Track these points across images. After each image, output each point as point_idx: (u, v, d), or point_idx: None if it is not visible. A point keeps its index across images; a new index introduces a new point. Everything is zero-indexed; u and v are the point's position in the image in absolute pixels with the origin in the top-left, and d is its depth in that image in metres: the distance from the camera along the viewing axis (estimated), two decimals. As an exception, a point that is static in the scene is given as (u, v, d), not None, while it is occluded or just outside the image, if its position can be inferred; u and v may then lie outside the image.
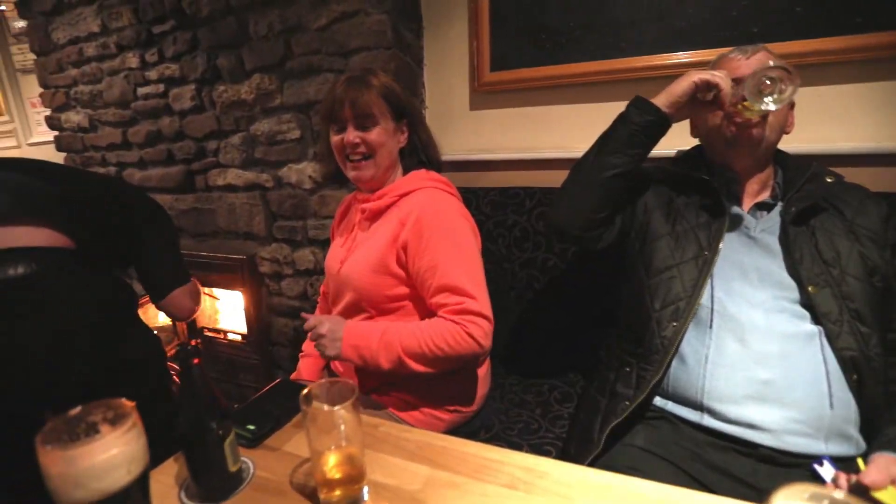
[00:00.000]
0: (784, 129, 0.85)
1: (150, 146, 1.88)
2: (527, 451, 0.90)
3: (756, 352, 0.74)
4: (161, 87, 1.76)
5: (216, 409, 0.56)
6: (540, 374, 1.22)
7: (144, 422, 0.47)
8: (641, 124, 0.84)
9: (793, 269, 0.78)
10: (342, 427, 0.52)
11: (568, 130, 1.37)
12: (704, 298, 0.80)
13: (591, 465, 0.76)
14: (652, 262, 0.86)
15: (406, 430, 0.67)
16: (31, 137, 2.65)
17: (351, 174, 0.97)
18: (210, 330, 1.95)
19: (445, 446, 0.63)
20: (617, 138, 0.86)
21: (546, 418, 1.06)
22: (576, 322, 1.20)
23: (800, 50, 1.07)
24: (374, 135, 0.93)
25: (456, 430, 0.98)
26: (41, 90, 2.11)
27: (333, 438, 0.52)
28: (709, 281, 0.80)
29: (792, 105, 0.86)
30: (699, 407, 0.75)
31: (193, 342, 0.56)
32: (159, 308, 1.16)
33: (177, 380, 1.24)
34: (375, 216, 0.98)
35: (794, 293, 0.77)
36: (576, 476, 0.58)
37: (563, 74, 1.32)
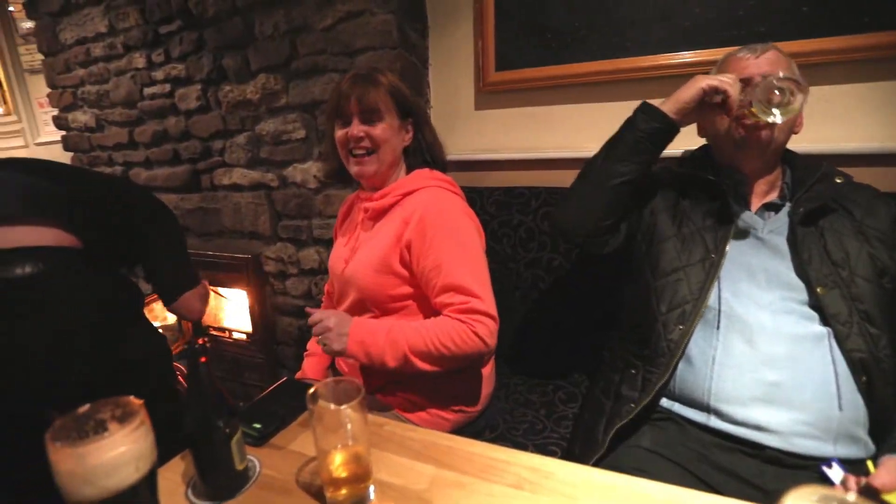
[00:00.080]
0: (793, 129, 0.85)
1: (157, 146, 1.89)
2: (532, 452, 0.89)
3: (764, 353, 0.73)
4: (167, 87, 1.77)
5: (223, 407, 0.56)
6: (545, 374, 1.22)
7: None
8: (648, 131, 0.83)
9: (801, 270, 0.77)
10: (348, 426, 0.52)
11: (573, 130, 1.37)
12: (711, 300, 0.79)
13: (596, 465, 0.75)
14: (658, 265, 0.85)
15: (411, 430, 0.67)
16: (39, 137, 2.67)
17: (353, 169, 0.97)
18: (215, 329, 1.96)
19: (451, 446, 0.63)
20: (623, 145, 0.86)
21: (551, 418, 1.06)
22: (581, 322, 1.19)
23: (805, 49, 1.06)
24: (378, 130, 0.93)
25: (461, 430, 0.98)
26: (49, 90, 2.13)
27: (340, 437, 0.52)
28: (716, 283, 0.80)
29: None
30: (706, 408, 0.75)
31: (201, 341, 0.57)
32: (170, 310, 1.17)
33: (181, 379, 1.25)
34: (378, 215, 0.98)
35: (803, 294, 0.76)
36: (581, 476, 0.57)
37: (568, 74, 1.32)
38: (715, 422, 0.74)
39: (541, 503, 0.54)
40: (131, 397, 0.47)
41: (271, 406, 0.73)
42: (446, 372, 0.87)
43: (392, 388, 0.96)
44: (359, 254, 0.97)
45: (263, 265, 1.79)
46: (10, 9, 2.48)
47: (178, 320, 1.88)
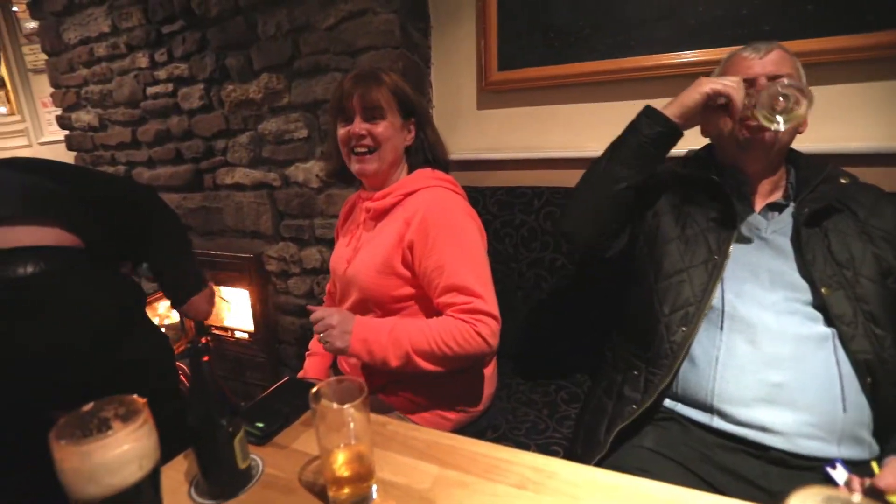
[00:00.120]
0: (798, 129, 0.84)
1: (159, 145, 1.90)
2: (534, 451, 0.89)
3: (767, 354, 0.73)
4: (170, 87, 1.78)
5: (226, 406, 0.56)
6: (547, 373, 1.21)
7: None
8: (652, 136, 0.83)
9: (805, 271, 0.77)
10: (351, 425, 0.52)
11: (576, 130, 1.37)
12: (715, 300, 0.79)
13: (598, 465, 0.75)
14: (661, 266, 0.85)
15: (414, 429, 0.67)
16: (43, 137, 2.68)
17: (355, 167, 0.97)
18: (217, 328, 1.96)
19: (454, 445, 0.63)
20: (627, 149, 0.85)
21: (553, 418, 1.06)
22: (583, 322, 1.19)
23: (810, 48, 1.06)
24: (380, 128, 0.93)
25: (462, 430, 0.98)
26: (52, 90, 2.14)
27: (343, 436, 0.52)
28: (719, 284, 0.79)
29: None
30: (709, 409, 0.75)
31: (204, 340, 0.57)
32: (179, 311, 1.18)
33: (183, 378, 1.25)
34: (380, 215, 0.98)
35: (807, 295, 0.76)
36: (585, 476, 0.57)
37: (571, 73, 1.32)
38: (718, 422, 0.73)
39: (544, 503, 0.53)
40: (135, 396, 0.47)
41: (274, 405, 0.73)
42: (448, 372, 0.87)
43: (394, 388, 0.96)
44: (361, 254, 0.97)
45: (265, 264, 1.79)
46: (14, 9, 2.49)
47: (182, 319, 1.88)
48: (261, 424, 0.67)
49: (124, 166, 2.04)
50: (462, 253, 0.88)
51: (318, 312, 0.86)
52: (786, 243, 0.81)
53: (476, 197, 1.32)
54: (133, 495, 0.44)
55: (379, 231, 0.97)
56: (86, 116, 2.06)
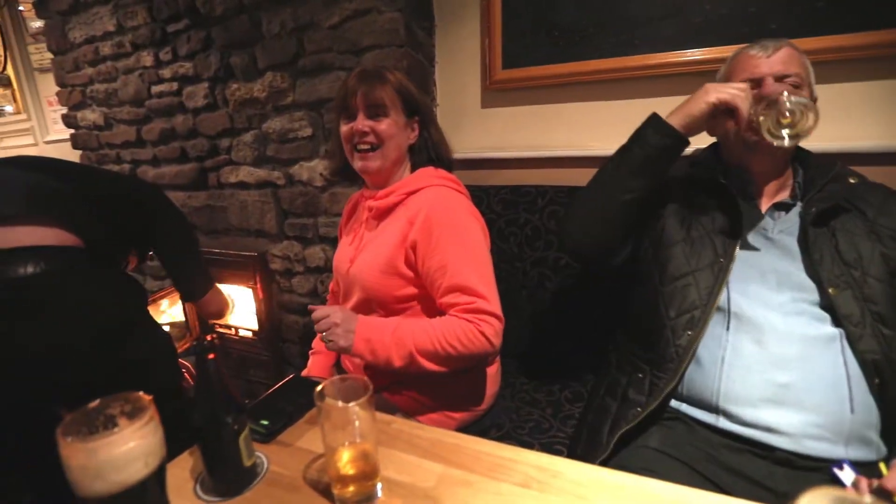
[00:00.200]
0: None
1: (164, 144, 1.90)
2: (538, 450, 0.89)
3: (774, 354, 0.72)
4: (175, 86, 1.78)
5: (231, 403, 0.57)
6: (551, 373, 1.21)
7: None
8: (658, 147, 0.81)
9: (812, 271, 0.76)
10: (356, 423, 0.52)
11: (580, 128, 1.36)
12: (721, 301, 0.78)
13: (601, 466, 0.75)
14: (667, 269, 0.84)
15: (418, 428, 0.67)
16: (48, 135, 2.69)
17: (357, 164, 0.96)
18: (221, 326, 1.97)
19: (458, 444, 0.63)
20: (633, 160, 0.84)
21: (557, 418, 1.05)
22: (587, 321, 1.19)
23: (820, 46, 1.05)
24: (384, 125, 0.93)
25: (466, 429, 0.98)
26: (58, 89, 2.14)
27: (348, 435, 0.52)
28: (725, 286, 0.79)
29: (814, 100, 0.84)
30: (714, 409, 0.74)
31: (209, 337, 0.57)
32: (196, 306, 1.20)
33: (188, 377, 1.25)
34: (383, 214, 0.98)
35: (814, 295, 0.75)
36: (590, 476, 0.57)
37: (575, 72, 1.31)
38: (724, 423, 0.73)
39: (549, 502, 0.53)
40: (140, 393, 0.47)
41: (278, 403, 0.73)
42: (451, 372, 0.86)
43: (397, 387, 0.96)
44: (363, 254, 0.97)
45: (269, 263, 1.79)
46: (21, 8, 2.50)
47: (186, 317, 1.89)
48: (265, 422, 0.67)
49: (129, 165, 2.05)
50: (465, 252, 0.87)
51: (320, 311, 0.86)
52: (792, 243, 0.80)
53: (480, 196, 1.32)
54: (139, 492, 0.44)
55: (382, 230, 0.97)
56: (91, 115, 2.07)
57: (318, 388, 0.53)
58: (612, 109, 1.32)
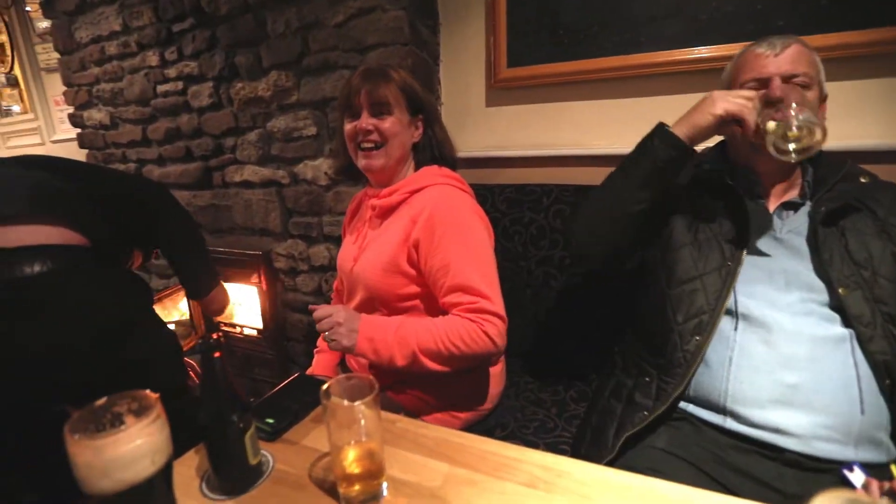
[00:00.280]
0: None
1: (169, 143, 1.91)
2: (543, 450, 0.89)
3: (782, 355, 0.71)
4: (180, 85, 1.79)
5: (237, 402, 0.57)
6: (555, 372, 1.21)
7: None
8: (664, 159, 0.80)
9: (821, 271, 0.75)
10: (362, 422, 0.52)
11: (585, 127, 1.36)
12: (728, 304, 0.77)
13: (608, 466, 0.74)
14: (674, 273, 0.83)
15: (424, 427, 0.67)
16: (55, 135, 2.71)
17: (361, 162, 0.96)
18: (226, 324, 1.98)
19: (464, 443, 0.63)
20: (640, 171, 0.82)
21: (562, 417, 1.05)
22: (592, 321, 1.18)
23: (828, 43, 1.04)
24: (388, 123, 0.92)
25: (470, 428, 0.98)
26: (64, 88, 2.16)
27: (353, 433, 0.52)
28: (733, 290, 0.78)
29: (824, 98, 0.83)
30: (721, 410, 0.73)
31: (215, 335, 0.57)
32: (199, 303, 1.20)
33: (193, 375, 1.26)
34: (386, 213, 0.97)
35: (823, 295, 0.74)
36: (596, 476, 0.57)
37: (580, 70, 1.31)
38: (731, 424, 0.72)
39: (554, 502, 0.53)
40: (147, 391, 0.47)
41: (284, 401, 0.73)
42: (454, 371, 0.86)
43: (402, 387, 0.95)
44: (367, 253, 0.97)
45: (274, 262, 1.80)
46: (28, 9, 2.52)
47: (191, 316, 1.90)
48: (271, 421, 0.67)
49: (135, 164, 2.06)
50: (468, 252, 0.87)
51: (322, 310, 0.85)
52: (801, 243, 0.79)
53: (485, 194, 1.32)
54: (146, 490, 0.44)
55: (385, 229, 0.96)
56: (97, 114, 2.08)
57: (324, 386, 0.53)
58: (616, 108, 1.31)
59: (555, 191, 1.26)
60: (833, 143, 1.03)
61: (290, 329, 1.85)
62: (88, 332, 0.89)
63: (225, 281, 1.85)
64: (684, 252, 0.83)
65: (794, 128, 0.71)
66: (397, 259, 0.91)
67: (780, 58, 0.79)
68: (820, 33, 1.05)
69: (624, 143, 1.29)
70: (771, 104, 0.77)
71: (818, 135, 0.70)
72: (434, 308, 0.93)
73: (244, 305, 1.94)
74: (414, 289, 0.93)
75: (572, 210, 1.22)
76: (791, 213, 0.83)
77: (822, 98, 0.82)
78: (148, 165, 2.02)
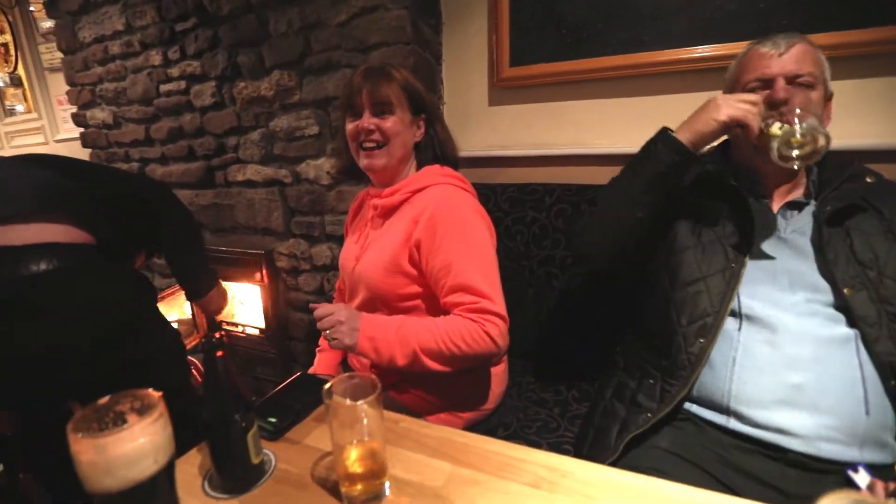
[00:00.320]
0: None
1: (172, 142, 1.91)
2: (546, 450, 0.89)
3: (787, 355, 0.71)
4: (183, 84, 1.79)
5: (240, 401, 0.57)
6: (558, 372, 1.20)
7: None
8: (668, 164, 0.79)
9: (826, 271, 0.75)
10: (365, 421, 0.52)
11: (589, 126, 1.35)
12: (732, 305, 0.77)
13: (612, 466, 0.74)
14: (677, 275, 0.82)
15: (427, 427, 0.67)
16: (59, 134, 2.72)
17: (363, 162, 0.96)
18: (228, 323, 1.98)
19: (467, 443, 0.63)
20: (643, 178, 0.81)
21: (565, 417, 1.05)
22: (594, 321, 1.18)
23: (834, 42, 1.03)
24: (389, 123, 0.92)
25: (473, 428, 0.98)
26: (68, 88, 2.16)
27: (356, 433, 0.52)
28: (737, 291, 0.77)
29: (830, 96, 0.82)
30: (725, 410, 0.73)
31: (218, 335, 0.57)
32: (195, 305, 1.20)
33: (195, 373, 1.26)
34: (388, 213, 0.97)
35: (828, 296, 0.74)
36: (600, 476, 0.57)
37: (583, 69, 1.30)
38: (735, 424, 0.72)
39: (559, 503, 0.53)
40: (150, 390, 0.47)
41: (286, 401, 0.73)
42: (455, 371, 0.86)
43: (404, 386, 0.95)
44: (368, 252, 0.97)
45: (276, 261, 1.80)
46: (31, 9, 2.53)
47: (194, 314, 1.90)
48: (273, 420, 0.67)
49: (138, 163, 2.06)
50: (469, 252, 0.86)
51: (323, 308, 0.84)
52: (805, 243, 0.78)
53: (487, 194, 1.31)
54: (149, 489, 0.44)
55: (387, 229, 0.96)
56: (100, 114, 2.08)
57: (327, 385, 0.53)
58: (620, 107, 1.31)
59: (557, 190, 1.25)
60: (838, 142, 1.02)
61: (292, 328, 1.86)
62: (94, 330, 0.90)
63: (227, 280, 1.86)
64: (688, 254, 0.83)
65: (797, 134, 0.70)
66: (399, 259, 0.90)
67: (783, 57, 0.78)
68: (824, 32, 1.04)
69: (627, 142, 1.29)
70: (774, 106, 0.76)
71: (821, 141, 0.70)
72: (436, 308, 0.92)
73: (246, 305, 1.94)
74: (415, 289, 0.92)
75: (576, 214, 1.21)
76: (795, 212, 0.82)
77: (828, 97, 0.82)
78: (151, 165, 2.03)
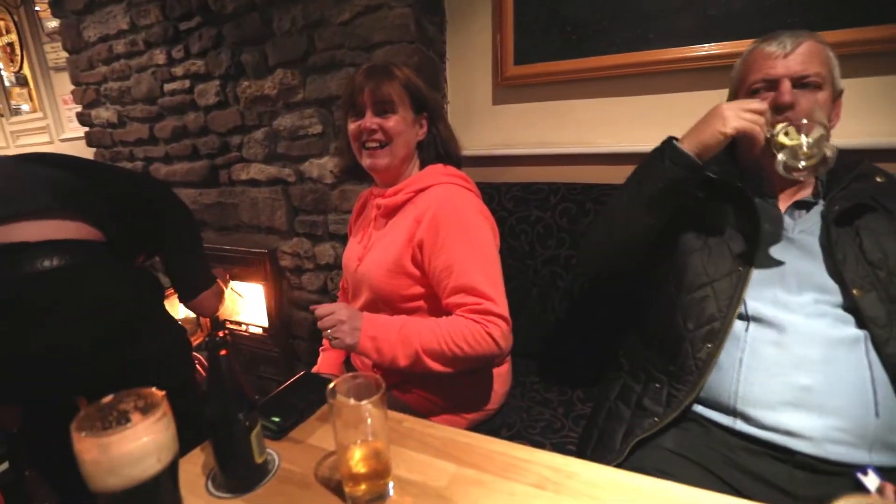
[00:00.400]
0: (828, 122, 0.80)
1: (176, 141, 1.92)
2: (550, 450, 0.88)
3: (795, 356, 0.70)
4: (187, 83, 1.79)
5: (243, 400, 0.56)
6: (562, 372, 1.20)
7: None
8: (675, 179, 0.77)
9: (835, 271, 0.73)
10: (369, 421, 0.51)
11: (593, 125, 1.34)
12: (739, 308, 0.76)
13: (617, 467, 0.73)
14: (683, 279, 0.81)
15: (430, 427, 0.67)
16: (64, 133, 2.73)
17: (366, 162, 0.95)
18: (231, 322, 1.98)
19: (471, 443, 0.62)
20: (649, 191, 0.79)
21: (569, 417, 1.04)
22: (599, 321, 1.17)
23: (843, 39, 1.02)
24: (392, 122, 0.92)
25: (476, 428, 0.98)
26: (73, 87, 2.17)
27: (360, 433, 0.52)
28: (744, 295, 0.76)
29: (839, 94, 0.81)
30: (732, 412, 0.72)
31: (221, 333, 0.57)
32: (188, 307, 1.20)
33: (200, 369, 1.27)
34: (391, 213, 0.97)
35: (837, 297, 0.73)
36: (605, 477, 0.56)
37: (588, 68, 1.30)
38: (741, 426, 0.71)
39: (563, 504, 0.52)
40: (153, 388, 0.47)
41: (289, 400, 0.73)
42: (457, 372, 0.85)
43: (407, 386, 0.95)
44: (372, 253, 0.96)
45: (280, 260, 1.80)
46: (37, 8, 2.54)
47: (198, 314, 1.91)
48: (276, 419, 0.67)
49: (142, 162, 2.07)
50: (473, 252, 0.86)
51: (324, 307, 0.83)
52: (814, 243, 0.77)
53: (491, 193, 1.31)
54: (153, 488, 0.44)
55: (390, 229, 0.96)
56: (105, 113, 2.09)
57: (331, 385, 0.53)
58: (625, 105, 1.30)
59: (562, 189, 1.25)
60: (848, 141, 1.02)
61: (295, 327, 1.86)
62: (102, 327, 0.90)
63: (231, 278, 1.86)
64: (693, 258, 0.81)
65: (804, 148, 0.69)
66: (402, 259, 0.90)
67: (789, 58, 0.76)
68: (834, 29, 1.03)
69: (632, 141, 1.29)
70: (780, 111, 0.75)
71: (828, 153, 0.68)
72: (438, 309, 0.92)
73: (250, 303, 1.94)
74: (418, 289, 0.92)
75: (580, 213, 1.20)
76: (803, 212, 0.81)
77: (837, 94, 0.80)
78: (155, 164, 2.03)
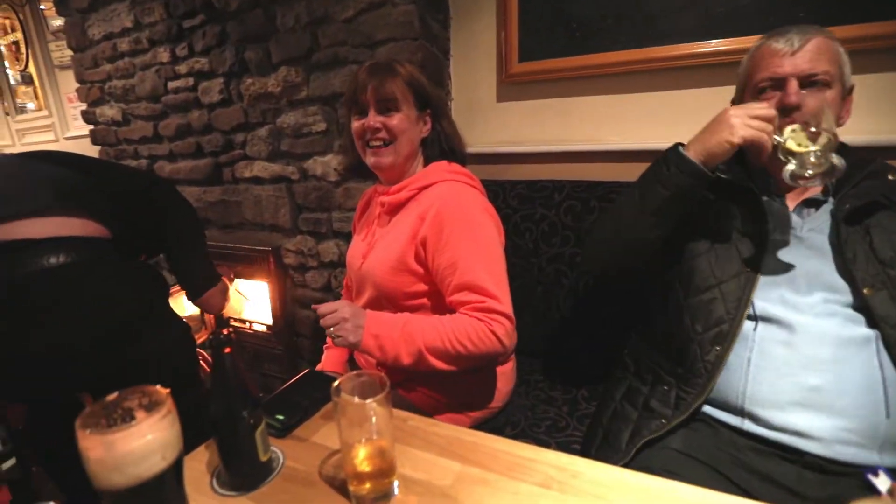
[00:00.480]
0: (838, 120, 0.78)
1: (180, 139, 1.92)
2: (554, 449, 0.88)
3: (804, 356, 0.69)
4: (190, 81, 1.79)
5: (247, 398, 0.56)
6: (567, 370, 1.19)
7: None
8: (682, 187, 0.75)
9: (845, 270, 0.72)
10: (373, 420, 0.51)
11: (598, 122, 1.33)
12: (748, 310, 0.75)
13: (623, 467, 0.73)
14: (691, 282, 0.80)
15: (435, 425, 0.66)
16: (68, 131, 2.74)
17: (370, 160, 0.95)
18: (236, 320, 1.99)
19: (476, 442, 0.62)
20: (655, 198, 0.78)
21: (574, 416, 1.04)
22: (604, 320, 1.16)
23: (852, 35, 1.00)
24: (395, 120, 0.91)
25: (481, 426, 0.97)
26: (77, 85, 2.18)
27: (364, 431, 0.52)
28: (752, 296, 0.75)
29: (850, 90, 0.79)
30: (740, 412, 0.71)
31: (226, 331, 0.56)
32: (195, 304, 1.20)
33: (204, 365, 1.27)
34: (395, 210, 0.96)
35: (847, 296, 0.71)
36: (611, 477, 0.56)
37: (593, 65, 1.29)
38: (749, 426, 0.70)
39: (569, 503, 0.52)
40: (158, 386, 0.47)
41: (293, 398, 0.73)
42: (461, 370, 0.85)
43: (411, 384, 0.95)
44: (375, 251, 0.96)
45: (283, 258, 1.80)
46: (42, 7, 2.55)
47: (202, 311, 1.91)
48: (281, 417, 0.67)
49: (146, 160, 2.07)
50: (476, 250, 0.85)
51: (326, 306, 0.83)
52: (823, 242, 0.76)
53: (496, 190, 1.30)
54: (157, 485, 0.44)
55: (393, 226, 0.95)
56: (109, 111, 2.09)
57: (335, 383, 0.53)
58: (631, 102, 1.29)
59: (567, 187, 1.24)
60: (858, 137, 1.00)
61: (299, 325, 1.86)
62: (102, 327, 0.90)
63: (236, 276, 1.86)
64: (701, 260, 0.80)
65: (812, 157, 0.68)
66: (405, 257, 0.89)
67: (797, 56, 0.75)
68: (844, 24, 1.01)
69: (638, 138, 1.28)
70: (787, 112, 0.74)
71: (836, 162, 0.67)
72: (442, 306, 0.91)
73: (254, 301, 1.95)
74: (422, 287, 0.92)
75: (585, 211, 1.20)
76: (812, 210, 0.80)
77: (847, 91, 0.79)
78: (159, 161, 2.04)
